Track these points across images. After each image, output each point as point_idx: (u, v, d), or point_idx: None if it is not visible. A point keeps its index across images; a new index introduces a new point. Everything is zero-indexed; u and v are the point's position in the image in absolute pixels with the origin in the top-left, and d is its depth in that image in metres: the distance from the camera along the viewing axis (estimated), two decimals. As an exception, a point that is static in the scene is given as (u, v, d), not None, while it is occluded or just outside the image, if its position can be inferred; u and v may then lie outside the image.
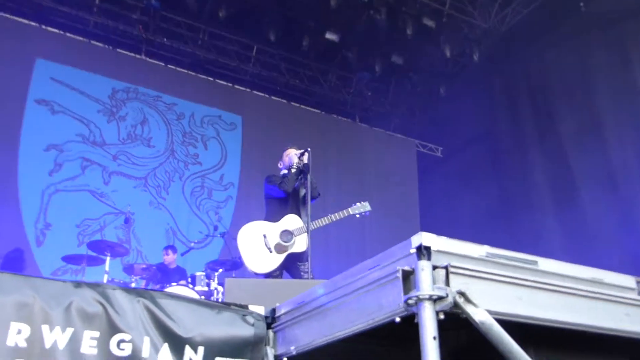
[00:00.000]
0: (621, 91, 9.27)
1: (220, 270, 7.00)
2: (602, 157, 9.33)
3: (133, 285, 6.87)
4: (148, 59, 10.84)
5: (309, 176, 5.14)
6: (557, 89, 10.36)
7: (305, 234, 5.12)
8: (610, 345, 1.99)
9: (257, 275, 5.18)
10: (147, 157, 10.12)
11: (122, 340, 2.12)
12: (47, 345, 2.02)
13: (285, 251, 5.21)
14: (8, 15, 9.71)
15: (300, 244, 5.19)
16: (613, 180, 9.07)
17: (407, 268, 1.68)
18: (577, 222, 9.38)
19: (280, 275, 5.17)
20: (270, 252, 5.18)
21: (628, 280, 2.03)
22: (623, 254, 8.35)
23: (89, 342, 2.08)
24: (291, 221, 5.31)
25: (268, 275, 5.12)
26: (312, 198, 5.28)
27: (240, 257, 5.29)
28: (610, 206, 8.99)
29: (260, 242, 5.20)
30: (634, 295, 2.01)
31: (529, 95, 11.00)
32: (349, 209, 5.52)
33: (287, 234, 5.25)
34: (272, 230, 5.27)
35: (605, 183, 9.17)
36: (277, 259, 5.18)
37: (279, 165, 5.74)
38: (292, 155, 5.48)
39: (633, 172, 8.82)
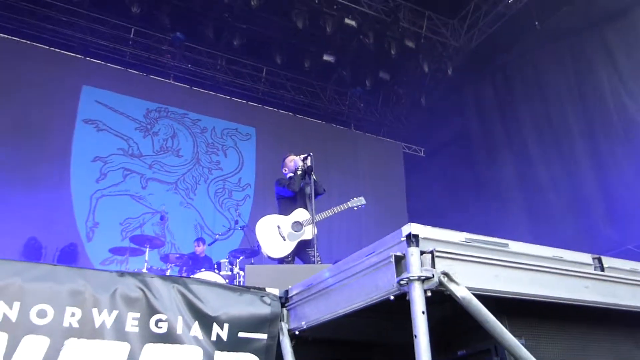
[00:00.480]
0: (572, 95, 9.25)
1: (241, 258, 6.98)
2: (557, 150, 9.32)
3: (168, 272, 6.86)
4: (175, 83, 10.85)
5: (312, 176, 5.14)
6: (519, 95, 10.34)
7: (312, 224, 5.13)
8: (573, 315, 1.96)
9: (272, 260, 5.17)
10: (177, 165, 10.13)
11: (160, 320, 2.11)
12: (97, 325, 2.01)
13: (296, 239, 5.19)
14: (59, 50, 9.75)
15: (308, 232, 5.18)
16: (568, 170, 9.04)
17: (398, 253, 1.67)
18: (539, 207, 9.37)
19: (292, 261, 5.16)
20: (284, 240, 5.17)
21: (585, 257, 2.01)
22: (576, 230, 8.36)
23: (131, 322, 2.06)
24: (300, 214, 5.30)
25: (281, 260, 5.11)
26: (319, 194, 5.29)
27: (258, 246, 5.28)
28: (565, 191, 8.97)
29: (275, 232, 5.19)
30: (590, 270, 1.99)
31: (495, 101, 10.98)
32: (348, 202, 5.50)
33: (297, 225, 5.23)
34: (284, 221, 5.26)
35: (562, 172, 9.15)
36: (290, 246, 5.17)
37: (283, 170, 5.72)
38: (297, 160, 5.47)
39: (583, 163, 8.81)
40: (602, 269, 2.02)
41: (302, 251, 5.19)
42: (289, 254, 5.17)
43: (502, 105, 10.75)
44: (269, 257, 5.15)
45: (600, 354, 1.96)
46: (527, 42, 10.00)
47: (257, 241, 5.24)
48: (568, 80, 9.35)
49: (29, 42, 9.45)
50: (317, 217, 5.11)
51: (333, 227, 9.73)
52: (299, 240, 5.19)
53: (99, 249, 8.37)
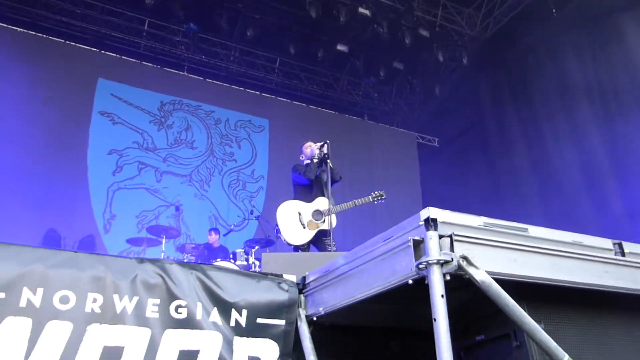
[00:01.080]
0: (591, 85, 9.11)
1: (257, 247, 7.01)
2: (573, 139, 9.21)
3: (185, 261, 6.92)
4: (189, 75, 10.87)
5: (329, 163, 5.13)
6: (535, 85, 10.21)
7: (333, 214, 5.14)
8: (593, 299, 1.95)
9: (289, 246, 5.17)
10: (191, 157, 10.18)
11: (179, 306, 2.13)
12: (118, 310, 2.04)
13: (316, 228, 5.20)
14: (74, 44, 9.83)
15: (328, 222, 5.17)
16: (584, 159, 8.94)
17: (417, 238, 1.67)
18: (555, 195, 9.27)
19: (307, 249, 5.17)
20: (304, 227, 5.17)
21: (605, 243, 1.99)
22: (595, 218, 8.26)
23: (151, 307, 2.09)
24: (322, 202, 5.30)
25: (297, 248, 5.12)
26: (335, 181, 5.29)
27: (277, 232, 5.26)
28: (582, 180, 8.88)
29: (295, 219, 5.19)
30: (611, 255, 1.97)
31: (510, 91, 10.85)
32: (369, 196, 5.45)
33: (318, 214, 5.23)
34: (305, 209, 5.25)
35: (578, 161, 9.04)
36: (309, 234, 5.17)
37: (300, 157, 5.72)
38: (313, 147, 5.47)
39: (600, 152, 8.70)
40: (623, 254, 2.00)
41: (318, 240, 5.19)
42: (307, 242, 5.18)
43: (517, 94, 10.62)
44: (287, 243, 5.16)
45: (619, 339, 1.94)
46: (544, 31, 9.83)
47: (277, 225, 5.22)
48: (585, 68, 9.20)
49: (44, 35, 9.54)
50: (338, 209, 5.12)
51: (347, 216, 9.65)
52: (318, 229, 5.20)
53: (117, 240, 8.46)
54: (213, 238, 7.82)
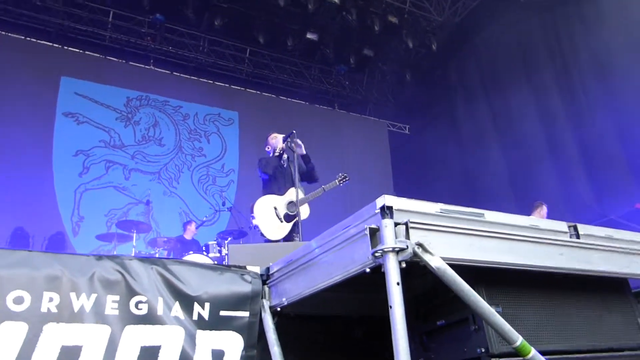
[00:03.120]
0: (558, 69, 9.27)
1: (230, 239, 6.98)
2: (542, 123, 9.38)
3: (157, 256, 6.84)
4: (156, 69, 10.69)
5: (297, 151, 5.11)
6: (504, 70, 10.33)
7: (306, 204, 5.14)
8: (549, 282, 1.99)
9: (270, 242, 5.13)
10: (160, 154, 10.08)
11: (140, 302, 2.10)
12: (76, 309, 1.99)
13: (292, 220, 5.19)
14: (36, 40, 9.56)
15: (303, 213, 5.15)
16: (553, 144, 9.11)
17: (373, 226, 1.67)
18: (524, 183, 9.45)
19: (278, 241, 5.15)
20: (281, 222, 5.15)
21: (560, 225, 2.02)
22: (562, 207, 8.43)
23: (111, 304, 2.05)
24: (294, 193, 5.29)
25: (268, 241, 5.10)
26: (314, 180, 5.28)
27: (250, 227, 5.24)
28: (552, 169, 9.05)
29: (272, 214, 5.16)
30: (566, 238, 2.00)
31: (480, 76, 10.96)
32: (335, 180, 5.50)
33: (292, 205, 5.21)
34: (280, 202, 5.23)
35: (547, 148, 9.22)
36: (287, 227, 5.16)
37: (266, 148, 5.69)
38: (279, 138, 5.45)
39: (570, 142, 8.88)
40: (578, 237, 2.04)
41: (289, 233, 5.18)
42: (286, 236, 5.17)
43: (487, 80, 10.75)
44: (268, 240, 5.11)
45: (575, 319, 1.99)
46: (512, 15, 9.94)
47: (255, 224, 5.17)
48: (553, 52, 9.35)
49: (3, 32, 9.24)
50: (309, 197, 5.12)
51: (319, 208, 9.68)
52: (294, 221, 5.18)
53: (86, 243, 8.30)
54: (192, 230, 7.75)
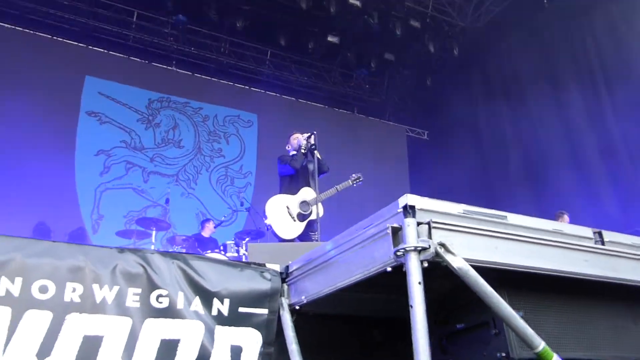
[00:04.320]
0: (582, 76, 9.14)
1: (247, 239, 7.00)
2: (566, 131, 9.25)
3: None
4: (178, 70, 10.81)
5: (316, 154, 5.11)
6: (526, 76, 10.22)
7: (320, 203, 5.13)
8: (572, 288, 1.96)
9: (283, 241, 5.16)
10: (178, 157, 10.19)
11: (160, 295, 2.12)
12: (98, 300, 2.03)
13: (305, 219, 5.20)
14: (62, 39, 9.75)
15: (315, 212, 5.16)
16: (575, 154, 8.99)
17: (395, 225, 1.66)
18: (546, 187, 9.32)
19: (293, 241, 5.16)
20: (294, 221, 5.16)
21: (585, 231, 1.99)
22: (585, 213, 8.29)
23: (132, 297, 2.08)
24: (307, 193, 5.30)
25: (282, 241, 5.11)
26: (322, 172, 5.27)
27: (267, 227, 5.26)
28: (574, 180, 8.91)
29: (285, 213, 5.17)
30: (591, 244, 1.97)
31: (501, 82, 10.86)
32: (348, 180, 5.51)
33: (305, 205, 5.23)
34: (292, 202, 5.24)
35: (570, 155, 9.09)
36: (300, 227, 5.17)
37: (287, 147, 5.71)
38: (300, 138, 5.46)
39: (593, 149, 8.74)
40: (603, 243, 2.00)
41: (305, 232, 5.19)
42: (299, 235, 5.18)
43: (509, 86, 10.64)
44: (282, 239, 5.13)
45: (598, 327, 1.96)
46: (536, 21, 9.84)
47: (269, 224, 5.20)
48: (576, 58, 9.23)
49: (31, 31, 9.45)
50: (322, 196, 5.11)
51: (335, 211, 9.64)
52: (308, 220, 5.20)
53: (105, 240, 8.38)
54: (210, 228, 7.80)
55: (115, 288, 2.07)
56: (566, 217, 7.08)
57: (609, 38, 8.67)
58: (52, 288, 1.98)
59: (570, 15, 9.26)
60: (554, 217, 7.10)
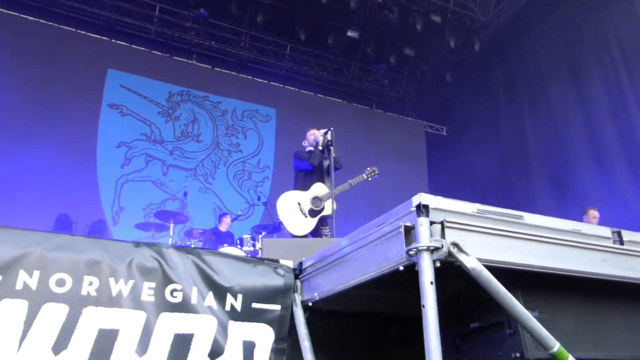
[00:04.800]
0: (605, 70, 8.94)
1: (264, 233, 7.02)
2: (587, 128, 9.07)
3: (192, 247, 6.95)
4: (198, 64, 10.86)
5: (332, 150, 5.09)
6: (549, 71, 10.03)
7: (332, 199, 5.10)
8: (590, 288, 1.92)
9: (295, 237, 5.15)
10: (197, 151, 10.25)
11: (175, 290, 2.14)
12: (114, 294, 2.05)
13: (317, 215, 5.19)
14: (85, 32, 9.87)
15: (328, 208, 5.15)
16: (596, 146, 8.81)
17: (408, 224, 1.65)
18: (567, 184, 9.14)
19: (305, 237, 5.15)
20: (306, 217, 5.15)
21: (604, 231, 1.95)
22: (608, 209, 8.11)
23: (147, 291, 2.10)
24: (319, 188, 5.28)
25: (294, 237, 5.10)
26: (336, 169, 5.22)
27: (280, 222, 5.27)
28: (595, 174, 8.74)
29: (296, 209, 5.17)
30: (609, 244, 1.93)
31: (523, 77, 10.67)
32: (363, 174, 5.47)
33: (317, 200, 5.22)
34: (304, 197, 5.23)
35: (589, 148, 8.91)
36: (312, 222, 5.16)
37: (303, 143, 5.70)
38: (317, 134, 5.43)
39: (616, 145, 8.55)
40: (622, 243, 1.96)
41: (317, 228, 5.17)
42: (311, 231, 5.17)
43: (531, 82, 10.45)
44: (292, 235, 5.13)
45: (615, 328, 1.92)
46: (558, 16, 9.64)
47: (279, 220, 5.21)
48: (600, 53, 9.02)
49: (56, 24, 9.59)
50: (335, 192, 5.07)
51: (351, 206, 9.63)
52: (320, 216, 5.19)
53: (125, 232, 8.53)
54: (227, 222, 7.85)
55: (131, 282, 2.09)
56: (595, 213, 6.84)
57: (633, 29, 8.44)
58: (69, 281, 2.01)
59: (592, 7, 9.05)
60: (582, 212, 6.92)
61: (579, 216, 7.05)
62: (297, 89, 11.78)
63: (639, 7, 8.38)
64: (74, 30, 9.78)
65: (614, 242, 1.96)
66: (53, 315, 1.95)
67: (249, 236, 6.72)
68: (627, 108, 8.45)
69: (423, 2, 9.77)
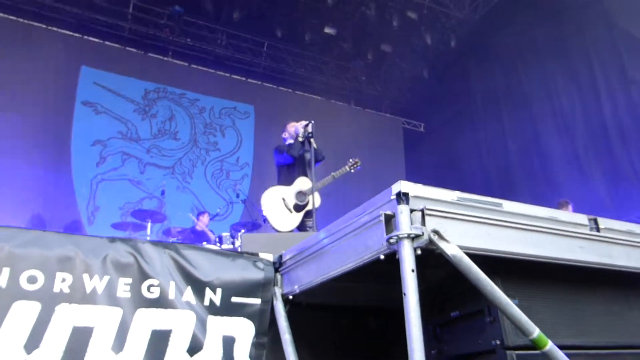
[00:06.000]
0: (578, 68, 9.10)
1: (243, 231, 6.97)
2: (562, 124, 9.23)
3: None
4: (174, 60, 10.71)
5: (312, 143, 5.05)
6: (524, 68, 10.17)
7: (316, 192, 5.07)
8: (567, 275, 1.94)
9: (276, 232, 5.10)
10: (175, 149, 10.12)
11: (152, 285, 2.09)
12: (88, 290, 2.00)
13: (302, 210, 5.16)
14: (57, 29, 9.63)
15: (311, 202, 5.10)
16: (573, 146, 8.97)
17: (388, 212, 1.63)
18: (543, 184, 9.30)
19: (290, 231, 5.12)
20: (291, 212, 5.12)
21: (580, 218, 1.97)
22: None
23: (123, 287, 2.05)
24: (302, 183, 5.25)
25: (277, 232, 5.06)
26: (318, 161, 5.18)
27: (264, 219, 5.21)
28: (571, 166, 8.90)
29: (281, 205, 5.13)
30: (586, 231, 1.95)
31: (500, 74, 10.80)
32: (345, 166, 5.46)
33: (301, 195, 5.19)
34: (288, 193, 5.19)
35: (567, 148, 9.08)
36: (298, 217, 5.13)
37: (283, 135, 5.65)
38: (297, 126, 5.38)
39: (590, 140, 8.72)
40: (598, 230, 1.98)
41: (302, 222, 5.15)
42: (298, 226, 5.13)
43: (508, 79, 10.58)
44: (278, 231, 5.08)
45: (593, 314, 1.93)
46: (534, 14, 9.75)
47: (264, 216, 5.15)
48: (574, 52, 9.18)
49: (27, 21, 9.35)
50: (318, 185, 5.04)
51: (331, 204, 9.58)
52: (305, 210, 5.16)
53: (101, 232, 8.35)
54: (205, 220, 7.76)
55: (106, 278, 2.04)
56: (570, 207, 7.00)
57: (607, 27, 8.63)
58: (41, 278, 1.95)
59: (567, 7, 9.19)
60: (557, 205, 7.05)
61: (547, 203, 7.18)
62: (275, 86, 11.71)
63: (597, 16, 8.55)
64: (45, 27, 9.54)
65: (591, 229, 1.97)
66: (24, 313, 1.88)
67: (228, 234, 6.65)
68: (599, 105, 8.62)
69: (399, -2, 9.82)
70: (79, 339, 1.91)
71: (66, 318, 1.93)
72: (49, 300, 1.93)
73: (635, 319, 2.01)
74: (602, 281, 1.99)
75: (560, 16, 9.34)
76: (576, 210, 7.40)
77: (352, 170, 5.46)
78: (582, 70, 9.00)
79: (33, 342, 1.85)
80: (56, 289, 1.96)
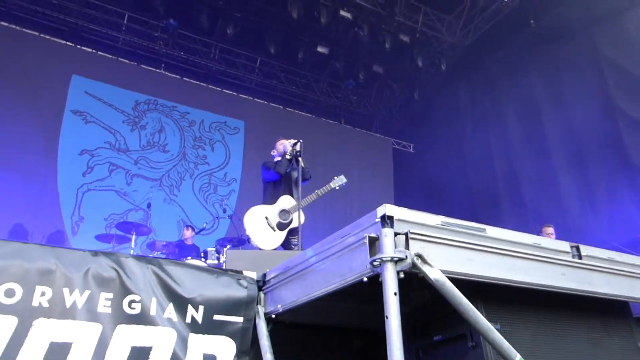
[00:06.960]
0: (563, 96, 9.26)
1: (229, 247, 6.90)
2: (546, 149, 9.36)
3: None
4: (166, 73, 10.71)
5: (300, 162, 5.06)
6: (512, 94, 10.32)
7: (300, 210, 5.06)
8: (549, 301, 1.95)
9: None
10: (163, 161, 10.04)
11: (133, 301, 2.07)
12: (68, 305, 1.97)
13: (286, 228, 5.14)
14: (49, 37, 9.61)
15: (296, 220, 5.10)
16: (555, 170, 9.09)
17: (373, 235, 1.64)
18: (526, 199, 9.41)
19: (275, 249, 5.10)
20: (274, 230, 5.10)
21: (563, 245, 1.99)
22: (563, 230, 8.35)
23: (104, 302, 2.03)
24: (286, 201, 5.24)
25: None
26: (305, 180, 5.18)
27: (248, 237, 5.19)
28: (554, 192, 9.01)
29: (264, 224, 5.11)
30: (568, 258, 1.97)
31: (489, 98, 10.94)
32: (330, 183, 5.46)
33: (284, 213, 5.17)
34: (271, 211, 5.19)
35: (551, 172, 9.18)
36: (281, 236, 5.11)
37: (272, 153, 5.66)
38: (286, 144, 5.39)
39: (571, 164, 8.85)
40: (580, 257, 2.00)
41: (287, 240, 5.13)
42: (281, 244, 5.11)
43: (495, 103, 10.73)
44: (262, 250, 5.05)
45: (574, 340, 1.95)
46: (523, 41, 9.95)
47: (247, 235, 5.13)
48: (561, 80, 9.35)
49: (19, 27, 9.32)
50: (302, 203, 5.03)
51: (319, 222, 9.59)
52: (289, 228, 5.14)
53: (84, 243, 8.21)
54: (189, 234, 7.71)
55: (87, 292, 2.01)
56: (551, 230, 7.06)
57: (593, 62, 8.81)
58: (19, 292, 1.92)
59: (555, 36, 9.39)
60: (539, 230, 7.11)
61: (538, 234, 7.22)
62: (266, 102, 11.74)
63: (602, 38, 8.74)
64: (37, 34, 9.51)
65: (573, 256, 2.00)
66: (0, 327, 1.85)
67: (214, 249, 6.60)
68: (586, 129, 8.75)
69: (392, 21, 9.92)
70: (56, 355, 1.88)
71: (44, 333, 1.90)
72: (26, 315, 1.89)
73: (614, 347, 2.03)
74: (583, 307, 2.01)
75: (548, 44, 9.52)
76: (561, 234, 7.50)
77: (337, 187, 5.46)
78: (569, 96, 9.15)
79: (8, 358, 1.81)
80: (35, 303, 1.92)
